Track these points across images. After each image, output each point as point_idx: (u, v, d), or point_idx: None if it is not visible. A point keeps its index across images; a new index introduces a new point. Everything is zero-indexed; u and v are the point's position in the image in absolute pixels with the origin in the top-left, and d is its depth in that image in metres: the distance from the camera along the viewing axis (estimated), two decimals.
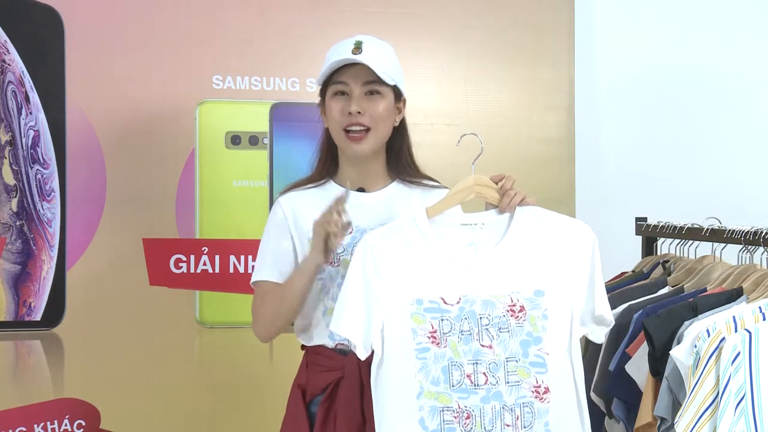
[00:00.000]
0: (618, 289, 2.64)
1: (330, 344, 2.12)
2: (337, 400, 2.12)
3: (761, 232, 2.32)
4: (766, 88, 3.62)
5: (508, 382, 1.95)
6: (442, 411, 1.94)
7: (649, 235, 2.91)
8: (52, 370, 3.10)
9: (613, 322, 2.05)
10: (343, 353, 2.11)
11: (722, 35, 3.59)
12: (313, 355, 2.18)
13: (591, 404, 2.45)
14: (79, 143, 3.07)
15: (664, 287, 2.56)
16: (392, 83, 2.14)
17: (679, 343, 2.04)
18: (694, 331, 2.01)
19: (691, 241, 2.68)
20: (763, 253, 2.36)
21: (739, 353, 1.91)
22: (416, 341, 1.95)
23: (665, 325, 2.12)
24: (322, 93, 2.18)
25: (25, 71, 3.05)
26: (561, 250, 2.00)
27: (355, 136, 2.12)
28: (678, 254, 2.74)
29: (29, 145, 3.06)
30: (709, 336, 1.95)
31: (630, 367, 2.23)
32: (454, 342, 1.96)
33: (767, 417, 1.91)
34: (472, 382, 1.95)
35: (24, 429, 3.03)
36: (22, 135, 3.05)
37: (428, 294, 1.97)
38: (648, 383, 2.13)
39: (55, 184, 3.07)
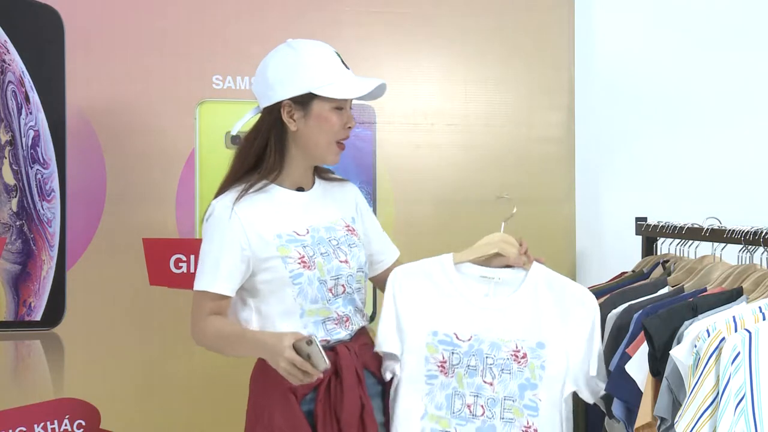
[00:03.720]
0: (618, 289, 2.64)
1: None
2: (333, 395, 2.16)
3: (761, 232, 2.32)
4: (766, 88, 3.61)
5: (503, 418, 2.22)
6: None
7: (649, 235, 2.91)
8: (52, 370, 3.09)
9: (603, 392, 2.24)
10: (330, 349, 2.17)
11: (722, 35, 3.58)
12: None
13: (591, 404, 2.45)
14: (79, 143, 3.07)
15: (664, 287, 2.56)
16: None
17: (679, 343, 2.04)
18: (694, 331, 2.01)
19: (691, 241, 2.68)
20: (763, 253, 2.36)
21: (739, 353, 1.91)
22: (427, 368, 2.24)
23: (665, 325, 2.12)
24: (307, 99, 2.19)
25: (25, 71, 3.05)
26: (565, 312, 2.24)
27: (341, 147, 2.26)
28: (678, 254, 2.74)
29: (29, 145, 3.06)
30: (709, 336, 1.95)
31: (630, 367, 2.23)
32: (460, 374, 2.23)
33: (767, 417, 1.91)
34: (471, 412, 2.23)
35: (24, 429, 3.03)
36: (22, 135, 3.05)
37: (444, 328, 2.24)
38: (648, 383, 2.13)
39: (55, 184, 3.07)
